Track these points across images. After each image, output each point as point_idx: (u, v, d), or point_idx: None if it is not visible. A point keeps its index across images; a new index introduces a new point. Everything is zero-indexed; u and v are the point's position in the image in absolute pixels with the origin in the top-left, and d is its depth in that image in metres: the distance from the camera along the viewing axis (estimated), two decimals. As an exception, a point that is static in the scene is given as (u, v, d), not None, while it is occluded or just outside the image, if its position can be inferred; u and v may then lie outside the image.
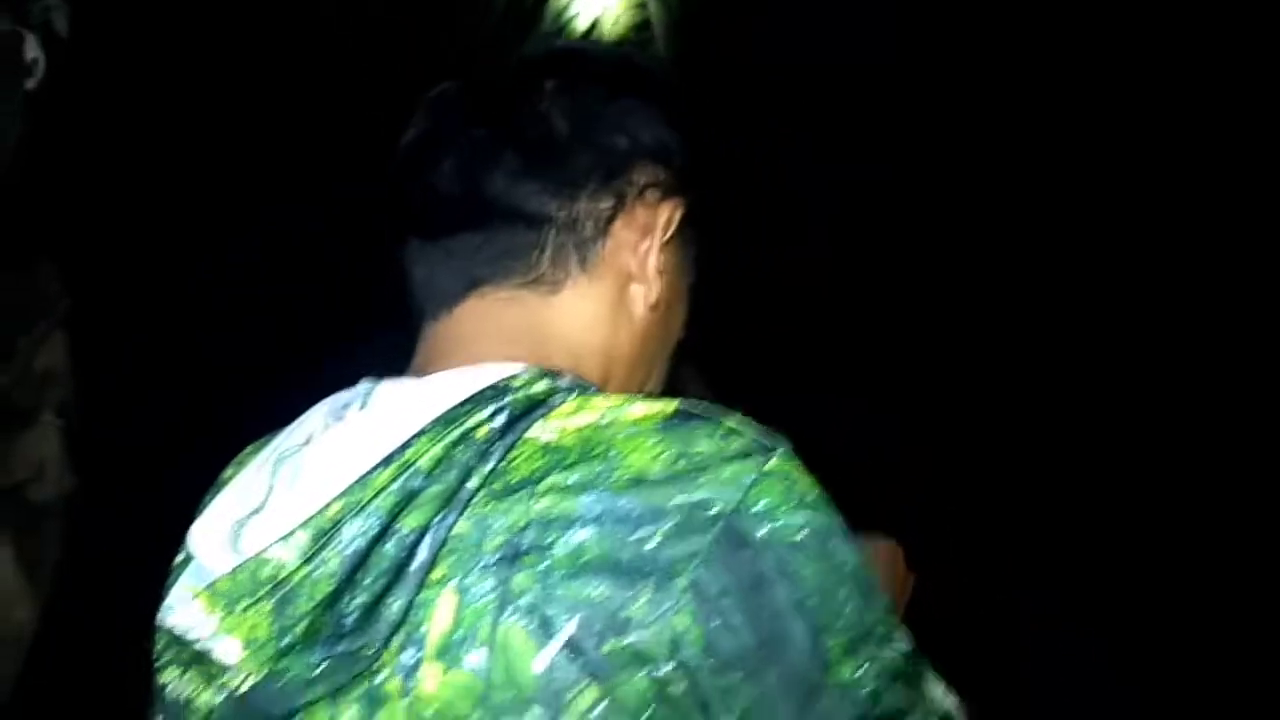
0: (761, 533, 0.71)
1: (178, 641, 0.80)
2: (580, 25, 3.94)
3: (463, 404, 0.77)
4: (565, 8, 3.92)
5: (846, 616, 0.73)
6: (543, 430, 0.76)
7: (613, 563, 0.71)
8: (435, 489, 0.74)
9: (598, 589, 0.71)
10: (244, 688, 0.75)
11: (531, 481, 0.74)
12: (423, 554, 0.73)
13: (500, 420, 0.76)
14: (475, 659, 0.71)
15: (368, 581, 0.73)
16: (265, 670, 0.74)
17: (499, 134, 0.88)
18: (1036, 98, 3.37)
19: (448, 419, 0.76)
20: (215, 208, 3.58)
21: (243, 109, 3.59)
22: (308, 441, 0.82)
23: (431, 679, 0.72)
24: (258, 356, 3.24)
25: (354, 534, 0.74)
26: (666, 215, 0.91)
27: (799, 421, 0.91)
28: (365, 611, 0.73)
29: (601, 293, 0.89)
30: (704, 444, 0.73)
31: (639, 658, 0.70)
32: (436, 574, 0.73)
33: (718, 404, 0.78)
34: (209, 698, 0.76)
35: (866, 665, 0.73)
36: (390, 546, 0.73)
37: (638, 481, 0.72)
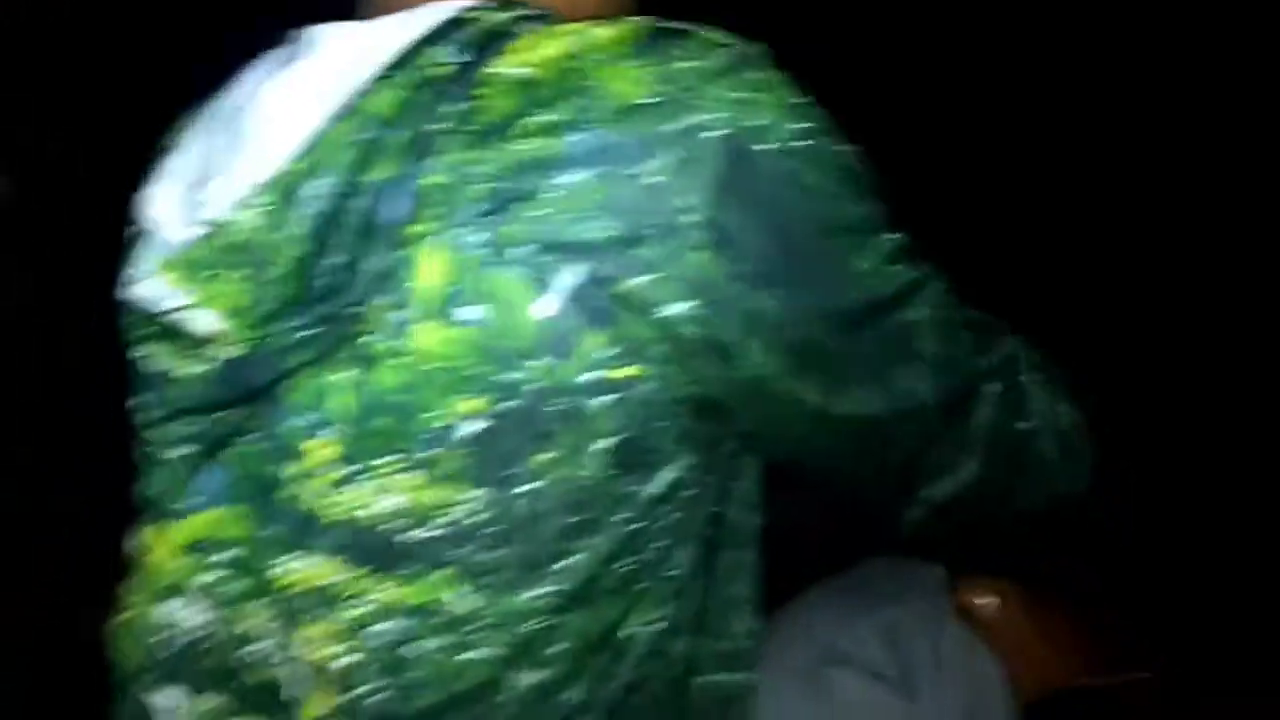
0: (762, 146, 0.68)
1: (148, 315, 0.77)
2: None
3: (419, 43, 0.71)
4: None
5: (854, 213, 0.72)
6: (511, 64, 0.71)
7: (613, 202, 0.67)
8: (400, 137, 0.69)
9: (600, 231, 0.68)
10: (226, 356, 0.73)
11: (509, 121, 0.69)
12: (397, 207, 0.69)
13: (462, 56, 0.71)
14: (470, 313, 0.69)
15: (341, 240, 0.70)
16: (245, 338, 0.72)
17: None
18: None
19: (404, 61, 0.71)
20: None
21: None
22: (250, 100, 0.77)
23: (426, 336, 0.70)
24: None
25: (317, 193, 0.70)
26: None
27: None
28: (343, 270, 0.70)
29: None
30: (684, 62, 0.69)
31: (648, 299, 0.68)
32: (417, 228, 0.69)
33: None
34: (191, 368, 0.74)
35: (873, 254, 0.73)
36: (360, 202, 0.69)
37: (626, 112, 0.68)
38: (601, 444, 0.71)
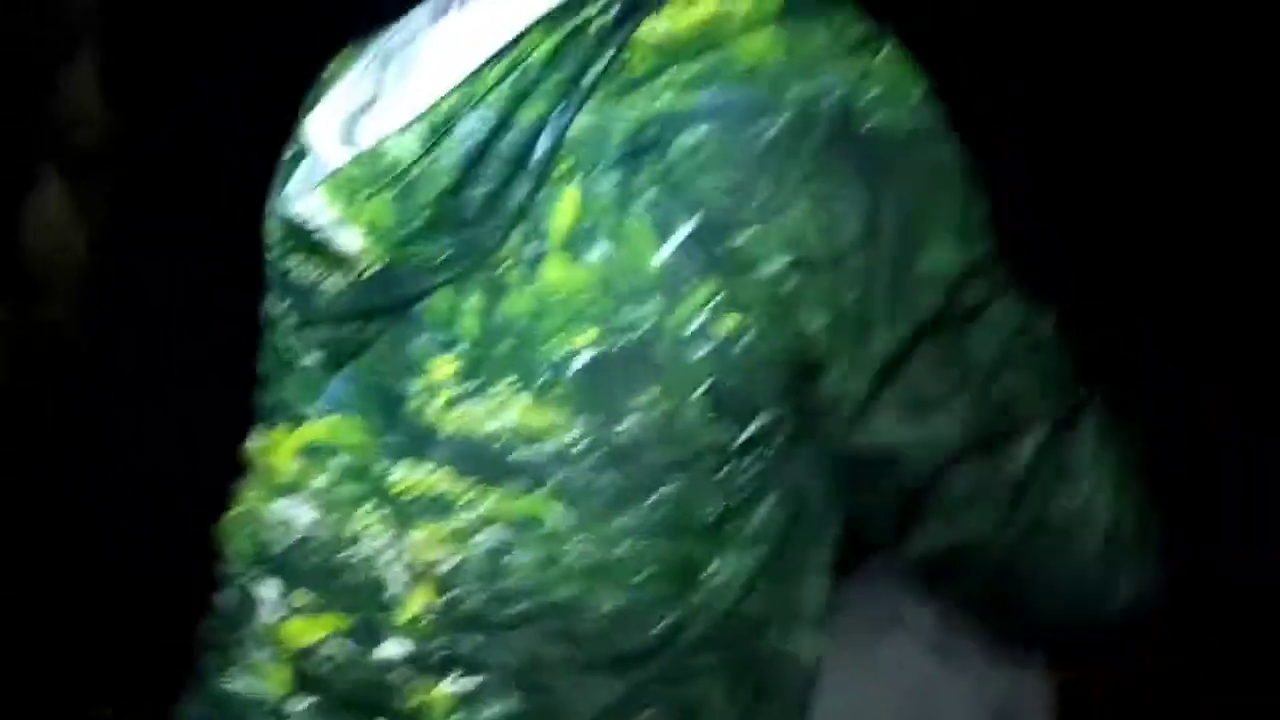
0: (870, 124, 0.73)
1: (297, 230, 0.82)
2: None
3: None
4: None
5: (945, 206, 0.75)
6: (658, 23, 0.76)
7: (731, 157, 0.73)
8: (551, 82, 0.75)
9: (716, 184, 0.73)
10: (369, 272, 0.78)
11: (651, 76, 0.75)
12: (543, 147, 0.75)
13: (615, 11, 0.76)
14: (599, 252, 0.74)
15: (489, 173, 0.75)
16: (389, 256, 0.77)
17: None
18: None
19: (558, 13, 0.76)
20: None
21: None
22: (413, 39, 0.82)
23: (554, 270, 0.75)
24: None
25: (471, 127, 0.75)
26: None
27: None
28: (488, 201, 0.75)
29: None
30: (819, 36, 0.74)
31: (754, 254, 0.73)
32: (559, 170, 0.75)
33: None
34: (336, 280, 0.79)
35: (952, 258, 0.75)
36: (510, 138, 0.75)
37: (753, 73, 0.73)
38: (701, 388, 0.75)
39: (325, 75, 0.97)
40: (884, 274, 0.74)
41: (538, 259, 0.76)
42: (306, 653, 0.84)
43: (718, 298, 0.74)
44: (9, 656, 2.22)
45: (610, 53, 0.75)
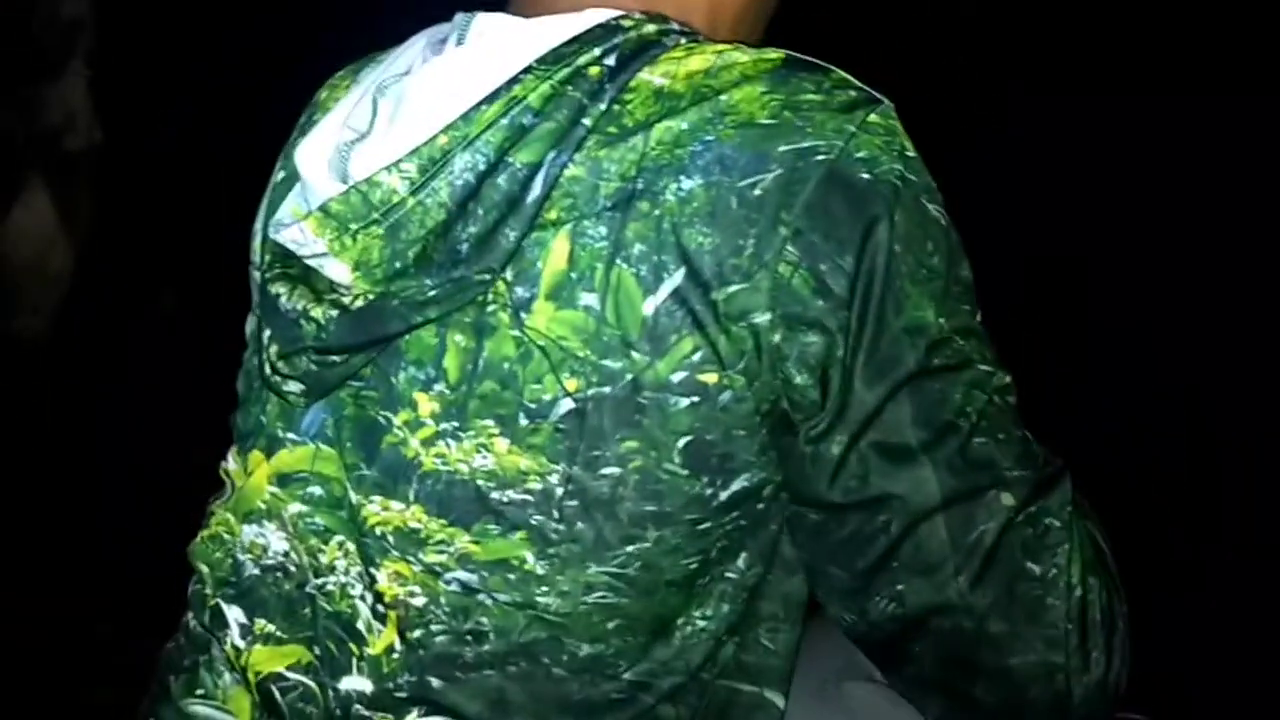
0: (865, 175, 0.73)
1: (285, 257, 0.81)
2: None
3: (571, 42, 0.77)
4: None
5: (929, 268, 0.75)
6: (654, 73, 0.77)
7: (719, 211, 0.73)
8: (546, 126, 0.75)
9: (704, 238, 0.73)
10: (355, 306, 0.78)
11: (644, 126, 0.75)
12: (536, 190, 0.75)
13: (612, 60, 0.76)
14: (588, 299, 0.75)
15: (480, 212, 0.75)
16: (376, 291, 0.77)
17: None
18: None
19: (556, 56, 0.76)
20: None
21: None
22: (407, 72, 0.82)
23: (543, 315, 0.76)
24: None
25: (464, 166, 0.75)
26: None
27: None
28: (479, 241, 0.75)
29: None
30: (811, 95, 0.74)
31: (740, 308, 0.73)
32: (551, 215, 0.76)
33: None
34: (321, 312, 0.78)
35: (935, 316, 0.75)
36: (503, 180, 0.75)
37: (745, 129, 0.74)
38: (682, 441, 0.75)
39: (318, 100, 0.97)
40: (868, 330, 0.74)
41: (525, 303, 0.76)
42: (270, 681, 0.84)
43: (701, 351, 0.74)
44: (8, 642, 2.22)
45: (607, 99, 0.75)
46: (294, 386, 0.83)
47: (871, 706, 1.01)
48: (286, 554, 0.86)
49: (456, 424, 0.78)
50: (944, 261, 0.75)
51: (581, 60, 0.76)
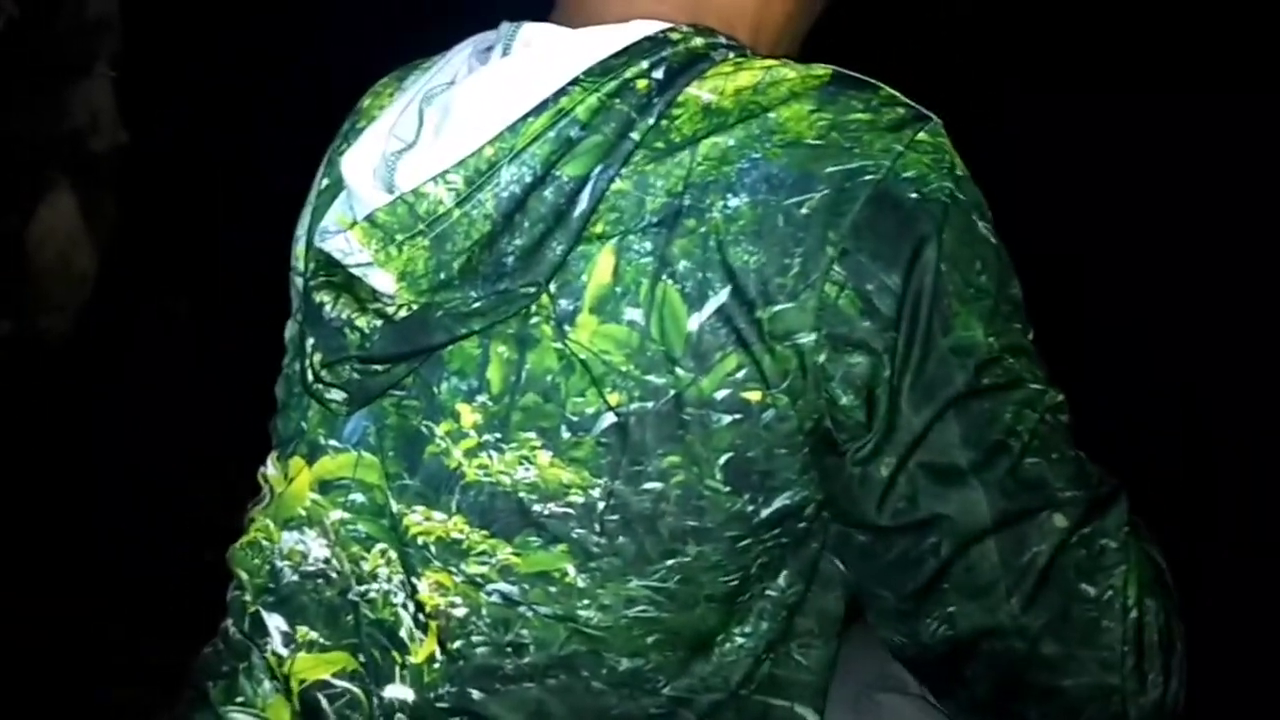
0: (913, 195, 0.73)
1: (331, 265, 0.81)
2: None
3: (619, 54, 0.76)
4: None
5: (978, 286, 0.74)
6: (702, 88, 0.76)
7: (766, 230, 0.73)
8: (594, 139, 0.75)
9: (751, 256, 0.73)
10: (400, 316, 0.77)
11: (692, 142, 0.75)
12: (583, 204, 0.75)
13: (660, 73, 0.76)
14: (633, 314, 0.75)
15: (526, 225, 0.75)
16: (421, 302, 0.77)
17: None
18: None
19: (604, 68, 0.76)
20: None
21: None
22: (453, 82, 0.82)
23: (586, 329, 0.76)
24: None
25: (511, 178, 0.74)
26: None
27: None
28: (525, 254, 0.75)
29: None
30: (859, 114, 0.74)
31: (786, 327, 0.73)
32: (596, 229, 0.75)
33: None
34: (366, 321, 0.78)
35: (984, 335, 0.74)
36: (549, 193, 0.75)
37: (793, 148, 0.73)
38: (724, 458, 0.75)
39: (361, 106, 0.97)
40: (915, 351, 0.73)
41: (569, 316, 0.76)
42: (312, 689, 0.84)
43: (745, 369, 0.74)
44: (21, 642, 2.22)
45: (655, 114, 0.75)
46: (336, 395, 0.82)
47: (905, 719, 1.01)
48: (327, 561, 0.85)
49: (499, 435, 0.78)
50: (993, 280, 0.75)
51: (629, 73, 0.75)
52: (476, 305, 0.76)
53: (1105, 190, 3.02)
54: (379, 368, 0.80)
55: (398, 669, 0.82)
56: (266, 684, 0.87)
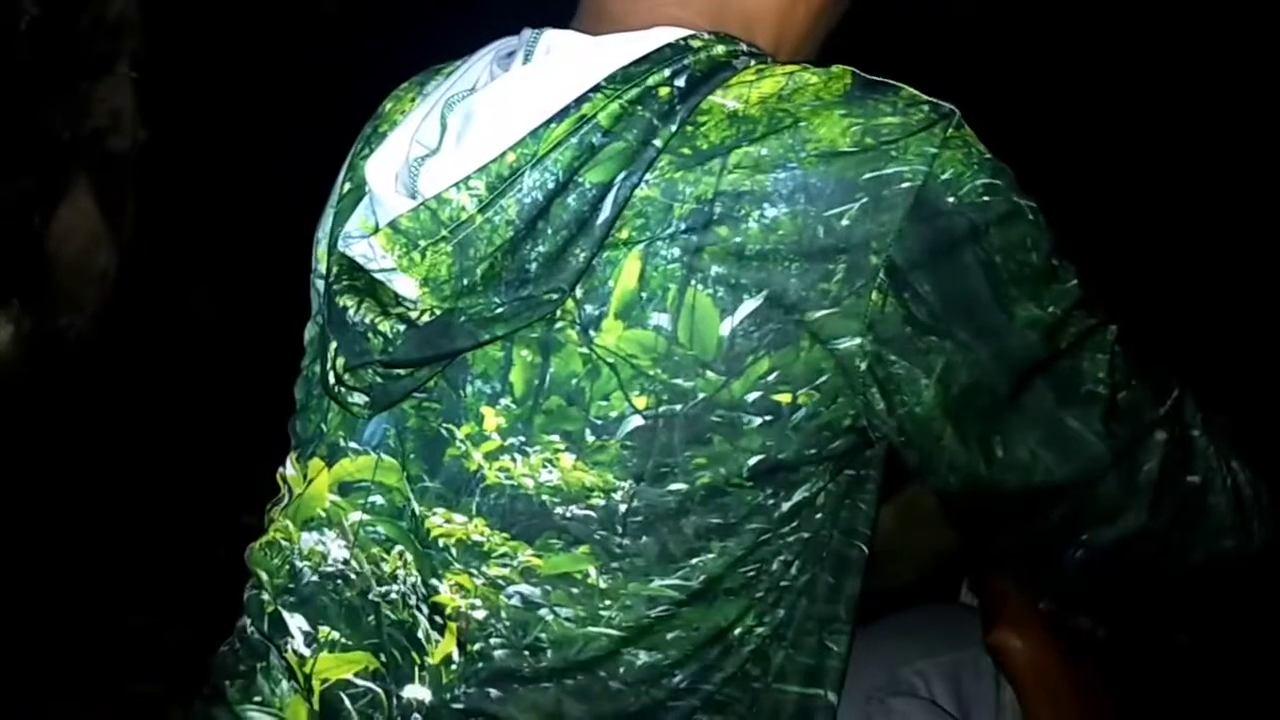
0: (950, 199, 0.73)
1: (355, 267, 0.82)
2: None
3: (640, 61, 0.77)
4: None
5: (1030, 265, 0.75)
6: (726, 96, 0.77)
7: (807, 240, 0.73)
8: (616, 146, 0.75)
9: (789, 264, 0.74)
10: (423, 321, 0.78)
11: (721, 151, 0.75)
12: (606, 211, 0.75)
13: (682, 81, 0.76)
14: (660, 319, 0.75)
15: (550, 232, 0.75)
16: (444, 307, 0.77)
17: None
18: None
19: (625, 76, 0.76)
20: None
21: None
22: (474, 89, 0.83)
23: (612, 333, 0.76)
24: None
25: (533, 184, 0.75)
26: None
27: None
28: (548, 261, 0.75)
29: None
30: (889, 117, 0.74)
31: (826, 330, 0.74)
32: (622, 235, 0.76)
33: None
34: (388, 326, 0.78)
35: (1046, 305, 0.76)
36: (572, 200, 0.75)
37: (829, 157, 0.74)
38: (753, 459, 0.76)
39: (383, 110, 0.98)
40: (983, 344, 0.75)
41: (594, 321, 0.76)
42: (335, 689, 0.85)
43: (777, 371, 0.75)
44: (42, 634, 2.24)
45: (678, 121, 0.75)
46: (358, 398, 0.83)
47: None
48: (346, 562, 0.86)
49: (523, 439, 0.79)
50: (1040, 251, 0.76)
51: (651, 81, 0.76)
52: (499, 311, 0.77)
53: (1102, 189, 3.01)
54: (401, 372, 0.80)
55: (416, 669, 0.82)
56: (284, 684, 0.87)
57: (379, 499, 0.85)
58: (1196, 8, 2.98)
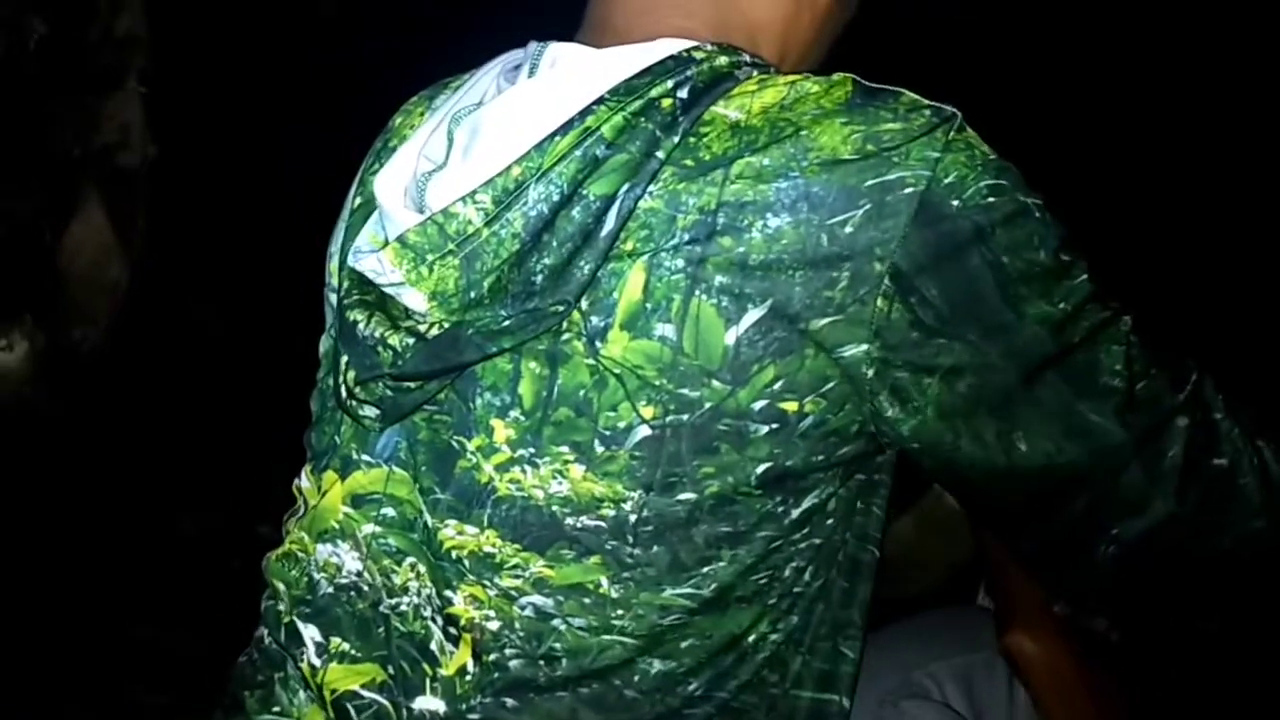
0: (955, 202, 0.73)
1: (365, 282, 0.82)
2: None
3: (643, 73, 0.77)
4: None
5: (1037, 263, 0.75)
6: (728, 107, 0.77)
7: (809, 248, 0.73)
8: (620, 158, 0.75)
9: (793, 273, 0.74)
10: (431, 334, 0.78)
11: (724, 162, 0.75)
12: (610, 222, 0.75)
13: (684, 92, 0.77)
14: (665, 329, 0.75)
15: (555, 244, 0.75)
16: (452, 320, 0.78)
17: None
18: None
19: (628, 88, 0.76)
20: None
21: None
22: (480, 103, 0.83)
23: (618, 344, 0.76)
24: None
25: (538, 197, 0.75)
26: None
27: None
28: (553, 273, 0.76)
29: None
30: (890, 123, 0.74)
31: (831, 338, 0.74)
32: (627, 246, 0.76)
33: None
34: (398, 340, 0.79)
35: (1055, 301, 0.76)
36: (577, 212, 0.75)
37: (831, 165, 0.74)
38: (761, 467, 0.77)
39: (392, 125, 0.98)
40: (993, 344, 0.75)
41: (600, 332, 0.77)
42: (345, 699, 0.85)
43: (783, 380, 0.75)
44: (48, 643, 2.26)
45: (680, 132, 0.76)
46: (369, 411, 0.84)
47: None
48: (359, 574, 0.87)
49: (532, 450, 0.79)
50: (1047, 248, 0.76)
51: (654, 92, 0.76)
52: (506, 323, 0.77)
53: (1101, 189, 3.01)
54: (411, 385, 0.81)
55: (428, 681, 0.83)
56: (302, 694, 0.88)
57: (390, 511, 0.85)
58: (1197, 7, 2.98)
